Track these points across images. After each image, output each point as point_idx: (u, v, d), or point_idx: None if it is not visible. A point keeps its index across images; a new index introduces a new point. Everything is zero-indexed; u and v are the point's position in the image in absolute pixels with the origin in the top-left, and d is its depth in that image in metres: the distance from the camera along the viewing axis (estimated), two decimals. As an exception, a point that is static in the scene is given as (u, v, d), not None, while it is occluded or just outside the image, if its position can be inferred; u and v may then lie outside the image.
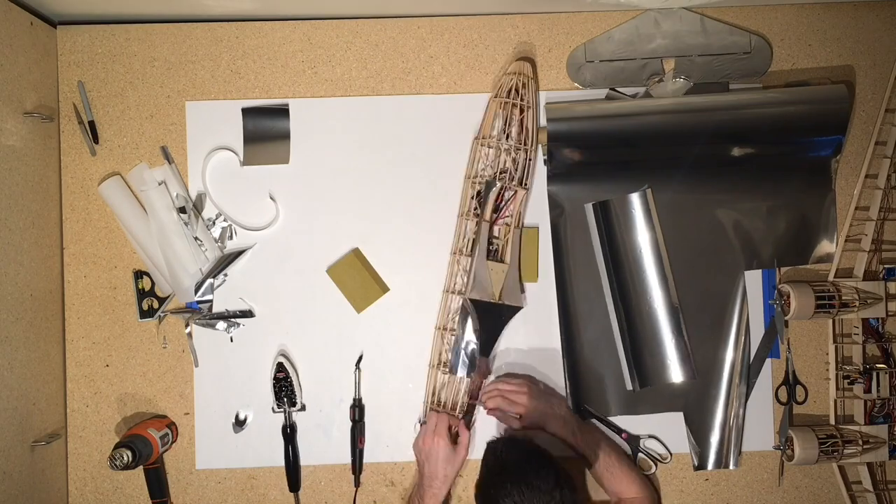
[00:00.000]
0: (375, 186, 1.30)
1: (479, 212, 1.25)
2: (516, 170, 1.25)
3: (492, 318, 1.26)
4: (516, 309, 1.27)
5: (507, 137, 1.25)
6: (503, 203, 1.26)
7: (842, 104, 1.26)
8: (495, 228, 1.27)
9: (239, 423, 1.28)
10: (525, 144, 1.25)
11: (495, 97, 1.26)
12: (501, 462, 1.10)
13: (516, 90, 1.24)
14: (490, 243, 1.26)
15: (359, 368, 1.28)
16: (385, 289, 1.29)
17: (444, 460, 1.19)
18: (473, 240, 1.25)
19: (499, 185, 1.24)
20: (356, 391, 1.28)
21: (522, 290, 1.28)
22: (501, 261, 1.26)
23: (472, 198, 1.26)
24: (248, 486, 1.29)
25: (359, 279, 1.27)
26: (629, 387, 1.29)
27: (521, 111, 1.24)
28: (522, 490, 1.01)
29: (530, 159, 1.26)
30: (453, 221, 1.29)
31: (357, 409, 1.27)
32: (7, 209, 1.13)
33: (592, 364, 1.29)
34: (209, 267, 1.26)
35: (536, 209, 1.29)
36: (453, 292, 1.27)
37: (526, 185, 1.26)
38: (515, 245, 1.26)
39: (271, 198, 1.29)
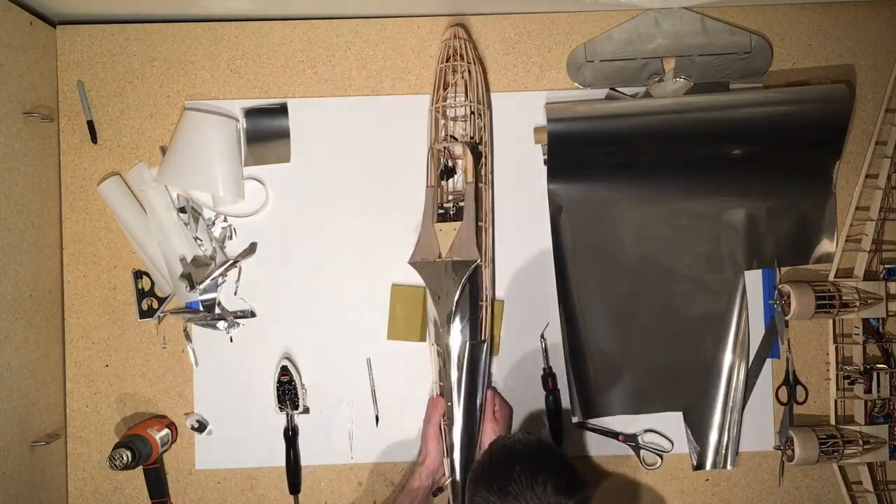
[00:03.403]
0: (376, 186, 1.30)
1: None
2: (475, 130, 1.25)
3: (439, 277, 1.21)
4: (468, 264, 1.20)
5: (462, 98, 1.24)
6: (455, 165, 1.25)
7: (842, 104, 1.26)
8: (449, 193, 1.25)
9: (197, 430, 1.27)
10: (478, 103, 1.24)
11: (441, 64, 1.25)
12: (511, 451, 1.03)
13: (457, 53, 1.23)
14: (442, 208, 1.25)
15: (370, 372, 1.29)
16: (423, 338, 1.28)
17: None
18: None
19: (442, 146, 1.24)
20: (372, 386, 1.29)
21: (480, 246, 1.22)
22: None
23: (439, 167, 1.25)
24: (247, 487, 1.29)
25: (412, 314, 1.27)
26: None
27: (469, 72, 1.24)
28: (532, 478, 0.94)
29: (481, 116, 1.25)
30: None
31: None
32: (7, 209, 1.13)
33: (595, 363, 1.29)
34: (212, 269, 1.26)
35: (536, 209, 1.29)
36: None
37: (481, 142, 1.24)
38: (471, 203, 1.22)
39: (259, 181, 1.29)
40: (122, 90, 1.29)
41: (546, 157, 1.28)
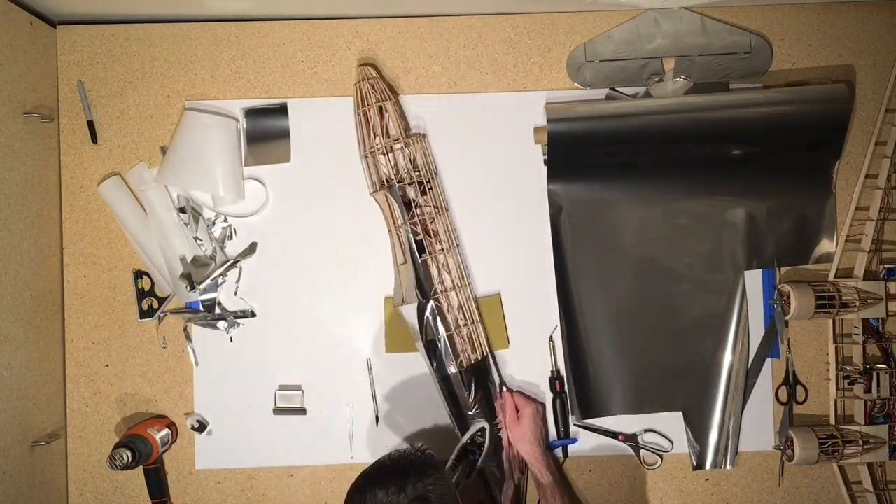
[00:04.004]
0: (375, 186, 1.30)
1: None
2: (415, 166, 1.24)
3: (410, 319, 1.24)
4: (420, 307, 1.22)
5: (387, 137, 1.24)
6: (414, 203, 1.24)
7: (842, 104, 1.26)
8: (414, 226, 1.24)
9: (197, 430, 1.27)
10: (405, 137, 1.24)
11: (357, 110, 1.24)
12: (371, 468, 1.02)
13: (370, 93, 1.23)
14: (413, 243, 1.23)
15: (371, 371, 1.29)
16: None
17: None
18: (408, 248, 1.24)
19: (396, 185, 1.23)
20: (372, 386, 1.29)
21: (429, 281, 1.23)
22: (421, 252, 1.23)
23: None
24: (247, 486, 1.29)
25: (406, 325, 1.26)
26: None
27: (383, 110, 1.23)
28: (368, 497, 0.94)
29: (408, 146, 1.24)
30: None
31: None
32: (7, 209, 1.13)
33: (595, 363, 1.29)
34: (213, 269, 1.26)
35: (536, 209, 1.30)
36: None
37: (425, 177, 1.24)
38: (405, 247, 1.23)
39: (259, 181, 1.29)
40: (122, 90, 1.29)
41: (546, 157, 1.28)
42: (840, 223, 1.31)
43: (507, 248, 1.30)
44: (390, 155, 1.25)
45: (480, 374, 1.25)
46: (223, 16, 1.29)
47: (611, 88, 1.30)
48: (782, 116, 1.27)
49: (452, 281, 1.25)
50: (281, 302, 1.29)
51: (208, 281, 1.25)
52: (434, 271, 1.24)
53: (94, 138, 1.28)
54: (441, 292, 1.24)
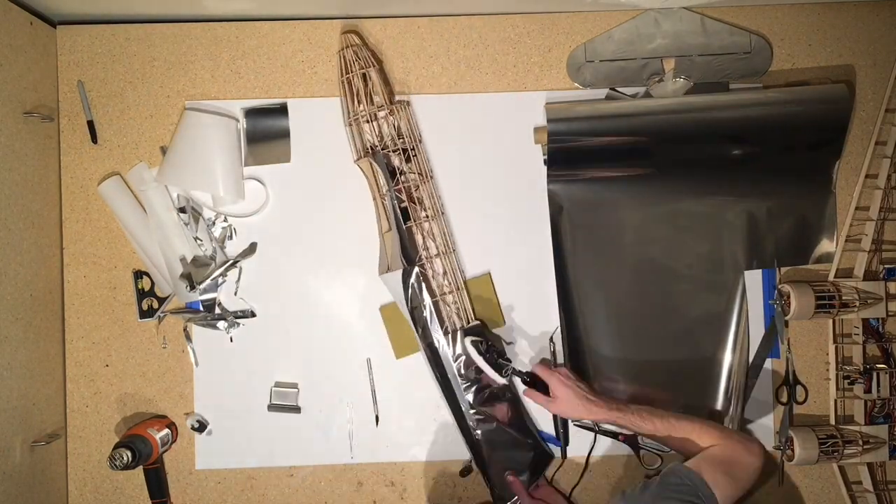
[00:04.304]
0: (375, 186, 1.30)
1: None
2: (399, 133, 1.24)
3: (396, 288, 1.23)
4: (398, 274, 1.22)
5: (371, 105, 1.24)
6: (398, 171, 1.24)
7: (842, 104, 1.26)
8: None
9: (197, 430, 1.27)
10: (389, 104, 1.24)
11: (341, 77, 1.24)
12: None
13: (354, 61, 1.23)
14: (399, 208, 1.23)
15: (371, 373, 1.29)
16: None
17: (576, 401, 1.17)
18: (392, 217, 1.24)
19: (364, 162, 1.23)
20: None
21: (414, 248, 1.23)
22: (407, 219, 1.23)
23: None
24: (247, 486, 1.29)
25: (407, 326, 1.26)
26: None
27: (367, 77, 1.23)
28: None
29: (392, 114, 1.24)
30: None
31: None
32: (7, 209, 1.13)
33: (594, 363, 1.29)
34: (213, 269, 1.26)
35: (536, 209, 1.30)
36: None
37: (409, 144, 1.24)
38: (389, 213, 1.23)
39: (259, 181, 1.29)
40: (122, 90, 1.29)
41: (546, 157, 1.28)
42: (840, 223, 1.31)
43: (507, 247, 1.30)
44: (374, 123, 1.24)
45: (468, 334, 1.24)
46: (223, 16, 1.29)
47: (611, 88, 1.30)
48: (782, 116, 1.27)
49: (437, 248, 1.25)
50: (281, 302, 1.29)
51: (208, 281, 1.25)
52: (419, 238, 1.24)
53: (94, 138, 1.28)
54: (426, 259, 1.24)
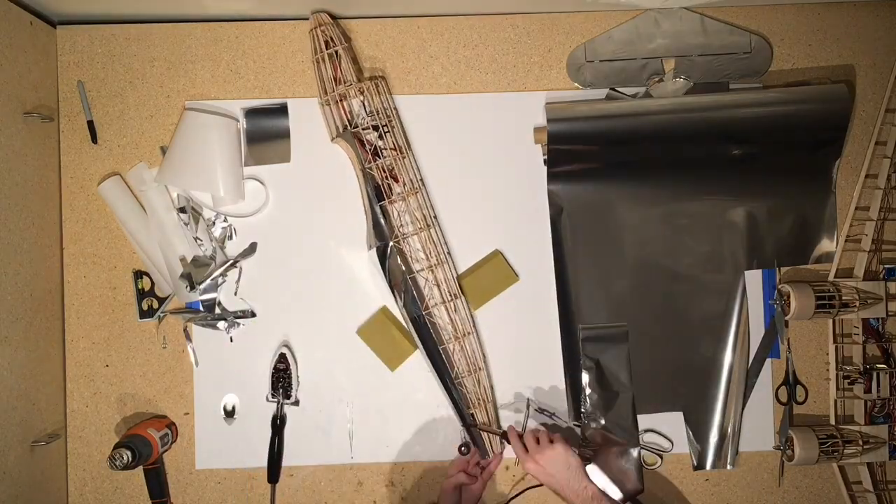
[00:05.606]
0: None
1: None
2: (374, 110, 1.23)
3: (377, 266, 1.25)
4: (373, 251, 1.24)
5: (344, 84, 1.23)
6: (374, 147, 1.24)
7: (842, 104, 1.26)
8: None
9: (228, 415, 1.28)
10: (360, 82, 1.24)
11: (313, 57, 1.24)
12: None
13: (325, 42, 1.22)
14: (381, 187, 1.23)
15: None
16: (415, 346, 1.27)
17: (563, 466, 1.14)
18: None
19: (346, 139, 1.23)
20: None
21: (388, 225, 1.23)
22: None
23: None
24: (247, 487, 1.29)
25: (389, 338, 1.26)
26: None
27: (338, 55, 1.22)
28: None
29: (362, 92, 1.23)
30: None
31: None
32: (7, 209, 1.13)
33: (592, 364, 1.29)
34: (213, 269, 1.26)
35: (536, 209, 1.30)
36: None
37: (380, 121, 1.23)
38: (364, 191, 1.24)
39: (259, 181, 1.29)
40: (122, 90, 1.29)
41: (546, 157, 1.28)
42: (840, 223, 1.31)
43: (507, 248, 1.30)
44: (345, 102, 1.24)
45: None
46: (223, 16, 1.29)
47: (611, 88, 1.30)
48: (782, 116, 1.27)
49: (415, 223, 1.25)
50: (281, 302, 1.29)
51: (208, 281, 1.25)
52: (394, 214, 1.24)
53: (94, 138, 1.28)
54: (401, 235, 1.24)
